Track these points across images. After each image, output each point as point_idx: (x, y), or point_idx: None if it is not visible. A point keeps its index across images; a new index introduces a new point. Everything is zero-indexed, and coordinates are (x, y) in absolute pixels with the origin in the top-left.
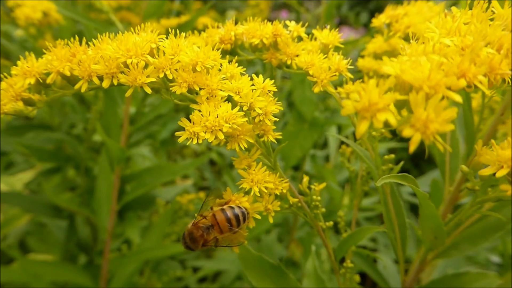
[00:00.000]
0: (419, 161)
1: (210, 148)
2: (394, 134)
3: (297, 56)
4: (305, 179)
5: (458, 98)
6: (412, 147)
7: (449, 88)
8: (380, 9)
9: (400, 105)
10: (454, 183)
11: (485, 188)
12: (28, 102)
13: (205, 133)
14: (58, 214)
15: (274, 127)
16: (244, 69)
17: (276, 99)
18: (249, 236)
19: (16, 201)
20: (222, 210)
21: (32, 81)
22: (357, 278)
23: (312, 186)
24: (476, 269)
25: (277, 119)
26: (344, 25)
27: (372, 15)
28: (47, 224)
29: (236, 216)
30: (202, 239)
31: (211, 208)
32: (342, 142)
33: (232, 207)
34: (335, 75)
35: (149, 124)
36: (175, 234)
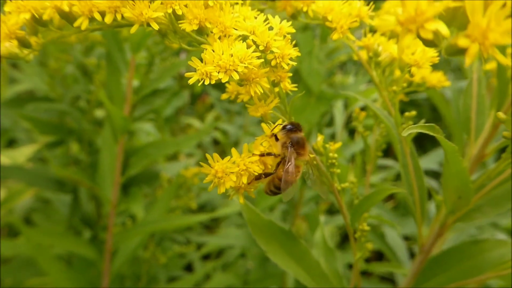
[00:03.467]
0: (423, 142)
1: (216, 128)
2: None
3: (314, 3)
4: (320, 137)
5: None
6: (469, 60)
7: None
8: None
9: (448, 20)
10: (479, 141)
11: None
12: (23, 43)
13: (218, 73)
14: (62, 188)
15: (290, 75)
16: (258, 12)
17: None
18: None
19: (19, 175)
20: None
21: (27, 16)
22: (370, 246)
23: (327, 145)
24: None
25: (294, 63)
26: None
27: None
28: (51, 200)
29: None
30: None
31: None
32: (348, 120)
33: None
34: (356, 21)
35: (153, 96)
36: (179, 209)
